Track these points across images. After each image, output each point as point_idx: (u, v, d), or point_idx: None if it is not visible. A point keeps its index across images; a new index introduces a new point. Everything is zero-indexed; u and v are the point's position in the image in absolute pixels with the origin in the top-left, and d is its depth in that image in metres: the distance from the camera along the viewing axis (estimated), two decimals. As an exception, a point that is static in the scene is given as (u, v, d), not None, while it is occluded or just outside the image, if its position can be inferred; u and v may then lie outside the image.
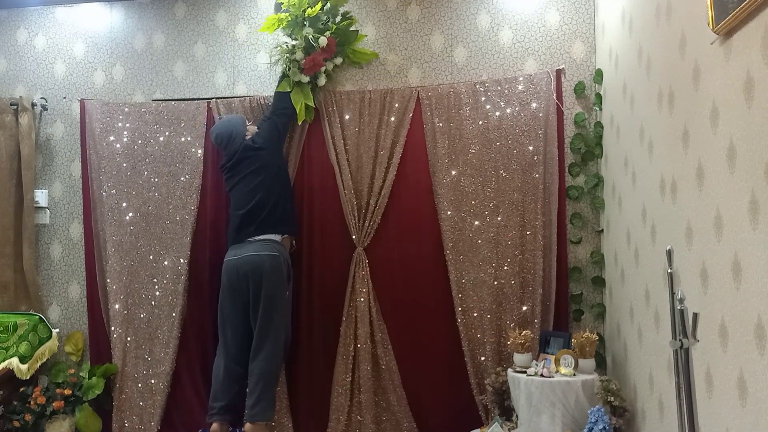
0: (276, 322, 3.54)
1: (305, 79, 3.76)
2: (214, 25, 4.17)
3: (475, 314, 3.64)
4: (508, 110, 3.69)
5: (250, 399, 3.49)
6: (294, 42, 3.78)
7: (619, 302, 3.29)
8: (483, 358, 3.62)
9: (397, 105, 3.80)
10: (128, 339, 3.96)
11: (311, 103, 3.78)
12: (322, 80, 3.82)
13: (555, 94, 3.65)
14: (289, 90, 3.78)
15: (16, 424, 3.74)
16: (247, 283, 3.53)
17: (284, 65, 3.79)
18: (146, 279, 3.98)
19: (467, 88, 3.75)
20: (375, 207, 3.76)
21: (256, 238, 3.58)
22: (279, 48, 3.81)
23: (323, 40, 3.71)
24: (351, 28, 3.85)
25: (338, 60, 3.86)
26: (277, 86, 3.83)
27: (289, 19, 3.77)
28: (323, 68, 3.79)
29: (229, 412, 3.57)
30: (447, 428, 3.64)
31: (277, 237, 3.62)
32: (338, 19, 3.83)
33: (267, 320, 3.51)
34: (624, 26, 3.13)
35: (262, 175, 3.64)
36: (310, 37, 3.72)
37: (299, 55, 3.74)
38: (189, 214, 3.95)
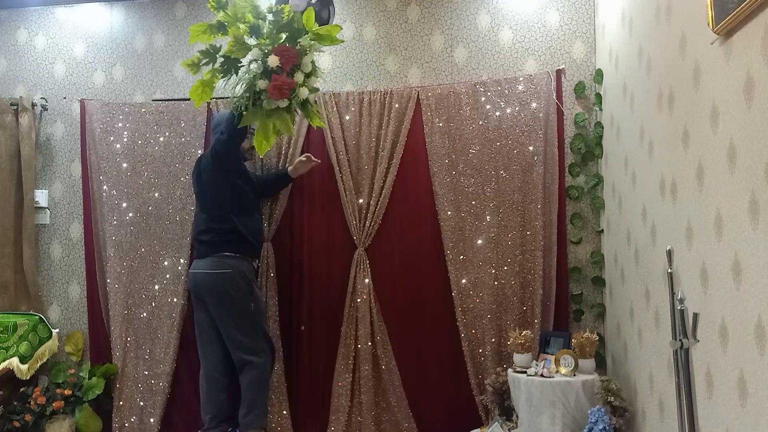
0: (247, 336, 3.44)
1: (284, 103, 3.04)
2: (214, 25, 4.17)
3: (475, 314, 3.65)
4: (508, 110, 3.70)
5: (242, 409, 3.45)
6: (252, 66, 3.02)
7: (619, 302, 3.29)
8: (483, 358, 3.63)
9: (397, 105, 3.80)
10: (128, 339, 3.96)
11: (290, 132, 3.19)
12: (303, 92, 3.07)
13: (555, 95, 3.65)
14: (252, 125, 3.19)
15: (16, 424, 3.74)
16: (203, 297, 3.51)
17: (249, 99, 3.04)
18: (146, 279, 3.98)
19: (467, 88, 3.75)
20: (375, 207, 3.76)
21: (211, 255, 3.49)
22: (244, 80, 3.07)
23: (273, 60, 2.94)
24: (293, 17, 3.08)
25: (309, 60, 3.09)
26: (238, 122, 3.13)
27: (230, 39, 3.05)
28: (299, 83, 3.05)
29: (222, 422, 3.52)
30: (447, 428, 3.64)
31: (230, 254, 3.48)
32: (277, 16, 3.08)
33: (234, 337, 3.43)
34: (624, 26, 3.13)
35: (203, 199, 3.58)
36: (260, 60, 2.99)
37: (262, 83, 2.98)
38: (189, 214, 3.95)
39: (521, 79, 3.71)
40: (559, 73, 3.68)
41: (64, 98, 4.31)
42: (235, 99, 3.06)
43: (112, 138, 4.09)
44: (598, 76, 3.63)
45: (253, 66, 3.01)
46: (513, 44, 3.83)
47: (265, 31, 3.05)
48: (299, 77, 3.04)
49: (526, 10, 3.82)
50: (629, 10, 3.04)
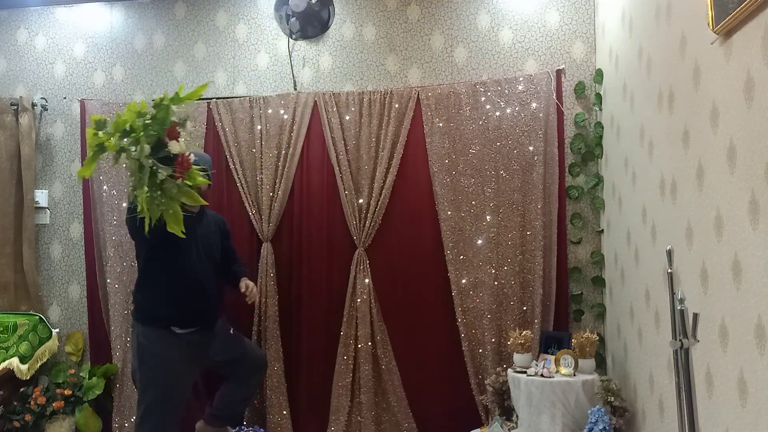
0: (139, 391, 3.25)
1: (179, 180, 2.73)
2: (214, 25, 4.17)
3: (475, 314, 3.65)
4: (508, 110, 3.69)
5: None
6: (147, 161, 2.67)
7: (619, 302, 3.29)
8: (483, 358, 3.63)
9: (397, 105, 3.80)
10: (128, 339, 3.96)
11: (199, 201, 2.73)
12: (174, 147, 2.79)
13: (555, 95, 3.65)
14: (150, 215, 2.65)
15: (16, 424, 3.74)
16: None
17: (155, 196, 2.67)
18: (146, 279, 3.98)
19: (467, 89, 3.75)
20: (375, 207, 3.76)
21: None
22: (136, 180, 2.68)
23: (175, 145, 2.76)
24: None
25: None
26: (140, 224, 2.70)
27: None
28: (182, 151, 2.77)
29: (223, 419, 3.51)
30: (447, 428, 3.64)
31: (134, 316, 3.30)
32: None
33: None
34: (624, 26, 3.13)
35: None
36: (159, 151, 2.72)
37: (163, 171, 2.65)
38: (189, 215, 3.94)
39: (521, 79, 3.71)
40: (559, 73, 3.68)
41: (64, 98, 4.31)
42: (134, 205, 2.68)
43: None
44: (598, 76, 3.63)
45: (148, 161, 2.66)
46: (513, 44, 3.83)
47: (141, 124, 2.77)
48: (182, 145, 2.83)
49: (526, 10, 3.82)
50: (629, 10, 3.04)
